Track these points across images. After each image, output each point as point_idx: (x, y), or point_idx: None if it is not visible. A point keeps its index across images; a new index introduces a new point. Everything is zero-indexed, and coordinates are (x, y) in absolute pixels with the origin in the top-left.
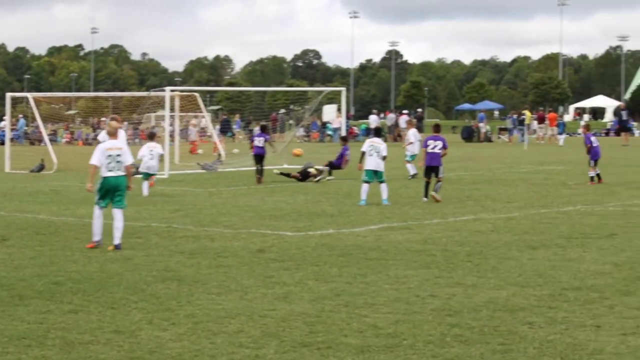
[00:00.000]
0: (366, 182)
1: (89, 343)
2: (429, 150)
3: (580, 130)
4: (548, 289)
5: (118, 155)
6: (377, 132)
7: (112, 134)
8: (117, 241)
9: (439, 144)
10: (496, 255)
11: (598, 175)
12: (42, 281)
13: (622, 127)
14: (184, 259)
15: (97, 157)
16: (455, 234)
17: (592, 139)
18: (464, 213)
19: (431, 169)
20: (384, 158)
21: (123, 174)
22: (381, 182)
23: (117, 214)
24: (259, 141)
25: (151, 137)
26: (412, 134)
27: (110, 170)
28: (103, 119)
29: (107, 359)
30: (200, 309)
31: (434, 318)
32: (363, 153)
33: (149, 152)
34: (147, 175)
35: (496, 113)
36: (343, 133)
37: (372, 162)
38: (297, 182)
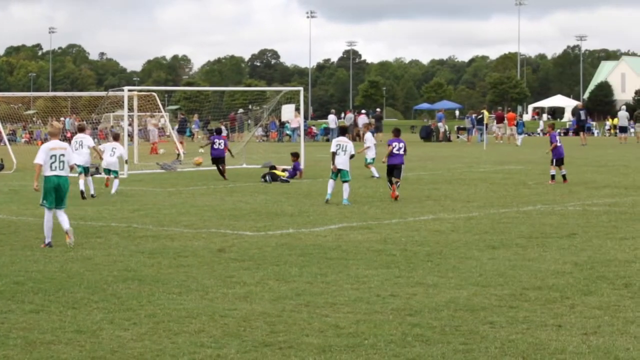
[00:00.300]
0: (333, 179)
1: (50, 343)
2: (394, 151)
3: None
4: (509, 289)
5: (62, 155)
6: (343, 131)
7: (54, 135)
8: (71, 240)
9: (402, 145)
10: (456, 255)
11: (564, 175)
12: (2, 281)
13: (580, 127)
14: (145, 259)
15: (41, 157)
16: (415, 233)
17: (557, 138)
18: (424, 213)
19: (394, 167)
20: (351, 156)
21: (66, 174)
22: (345, 181)
23: (61, 216)
24: (219, 144)
25: (116, 137)
26: (369, 139)
27: (53, 170)
28: (62, 118)
29: (69, 359)
30: (161, 309)
31: (395, 318)
32: (333, 153)
33: (110, 149)
34: (108, 172)
35: (457, 112)
36: (301, 133)
37: (339, 161)
38: (259, 183)
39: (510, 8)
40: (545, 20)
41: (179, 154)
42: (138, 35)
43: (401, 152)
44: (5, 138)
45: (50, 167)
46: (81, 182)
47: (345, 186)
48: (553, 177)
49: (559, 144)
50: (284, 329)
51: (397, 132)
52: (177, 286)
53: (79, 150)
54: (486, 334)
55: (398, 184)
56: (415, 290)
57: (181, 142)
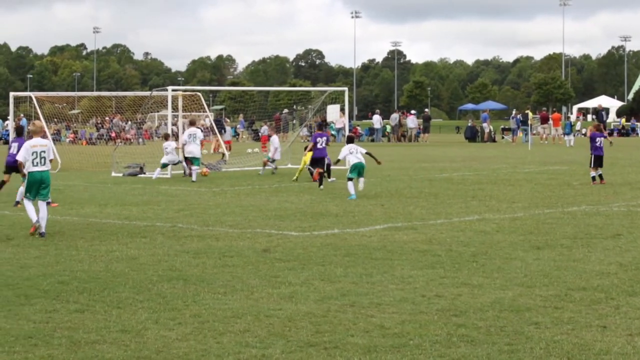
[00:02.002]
0: (350, 179)
1: (95, 342)
2: (319, 146)
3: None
4: (554, 290)
5: (42, 151)
6: (350, 139)
7: (36, 133)
8: (42, 230)
9: (324, 140)
10: (501, 256)
11: (600, 175)
12: (47, 280)
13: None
14: (190, 259)
15: (22, 154)
16: (460, 234)
17: (599, 139)
18: (469, 213)
19: (319, 160)
20: (368, 154)
21: (47, 169)
22: (361, 176)
23: (42, 206)
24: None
25: (166, 137)
26: (274, 141)
27: (35, 166)
28: (107, 118)
29: (114, 359)
30: (206, 309)
31: (440, 318)
32: (337, 161)
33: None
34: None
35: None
36: (346, 133)
37: (355, 160)
38: (304, 182)
39: (554, 8)
40: (590, 20)
41: (223, 154)
42: (182, 35)
43: (324, 145)
44: (49, 137)
45: (33, 163)
46: (194, 172)
47: (361, 180)
48: (594, 178)
49: (598, 145)
50: (329, 329)
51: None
52: (222, 286)
53: (193, 143)
54: (531, 335)
55: (322, 172)
56: (461, 290)
57: (228, 142)
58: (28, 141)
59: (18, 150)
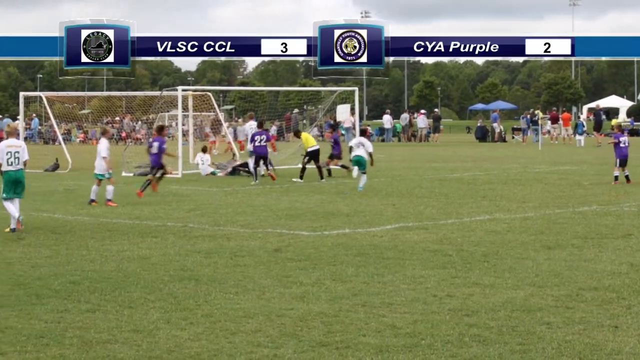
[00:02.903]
0: (355, 165)
1: (106, 342)
2: (257, 144)
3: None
4: (565, 289)
5: (17, 152)
6: (362, 132)
7: (11, 134)
8: (13, 226)
9: (264, 137)
10: (513, 256)
11: (627, 176)
12: (59, 280)
13: (598, 127)
14: (201, 259)
15: None
16: (471, 234)
17: (623, 138)
18: (480, 213)
19: (260, 157)
20: (370, 154)
21: (22, 167)
22: (363, 172)
23: (16, 203)
24: (259, 140)
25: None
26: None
27: (10, 165)
28: (117, 118)
29: (125, 358)
30: (217, 309)
31: (451, 318)
32: (351, 147)
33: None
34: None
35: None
36: (357, 133)
37: (360, 152)
38: (315, 182)
39: (563, 8)
40: (600, 20)
41: (234, 154)
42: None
43: (263, 143)
44: (60, 137)
45: (7, 162)
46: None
47: (364, 177)
48: (616, 178)
49: (622, 145)
50: (340, 329)
51: (260, 125)
52: (233, 286)
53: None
54: (543, 335)
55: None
56: (472, 290)
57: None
58: (3, 142)
59: None
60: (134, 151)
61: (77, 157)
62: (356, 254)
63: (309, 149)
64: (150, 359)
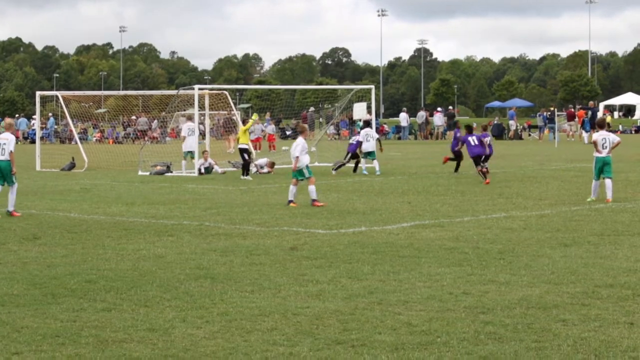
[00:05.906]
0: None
1: (122, 341)
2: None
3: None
4: (581, 287)
5: (4, 143)
6: (367, 123)
7: (7, 129)
8: (10, 207)
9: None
10: (528, 253)
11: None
12: (74, 279)
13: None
14: (217, 257)
15: None
16: (487, 231)
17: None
18: (496, 210)
19: (244, 150)
20: (378, 140)
21: (7, 159)
22: (373, 159)
23: (10, 193)
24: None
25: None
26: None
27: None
28: (133, 117)
29: (141, 357)
30: (233, 307)
31: (467, 315)
32: (360, 142)
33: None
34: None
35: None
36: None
37: (369, 145)
38: (331, 181)
39: (580, 6)
40: (616, 17)
41: (251, 153)
42: (208, 34)
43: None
44: (76, 136)
45: None
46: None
47: (375, 162)
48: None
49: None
50: (356, 327)
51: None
52: (249, 284)
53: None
54: (558, 332)
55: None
56: (488, 288)
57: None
58: None
59: None
60: (150, 150)
61: (93, 156)
62: (372, 251)
63: (239, 146)
64: (166, 358)
